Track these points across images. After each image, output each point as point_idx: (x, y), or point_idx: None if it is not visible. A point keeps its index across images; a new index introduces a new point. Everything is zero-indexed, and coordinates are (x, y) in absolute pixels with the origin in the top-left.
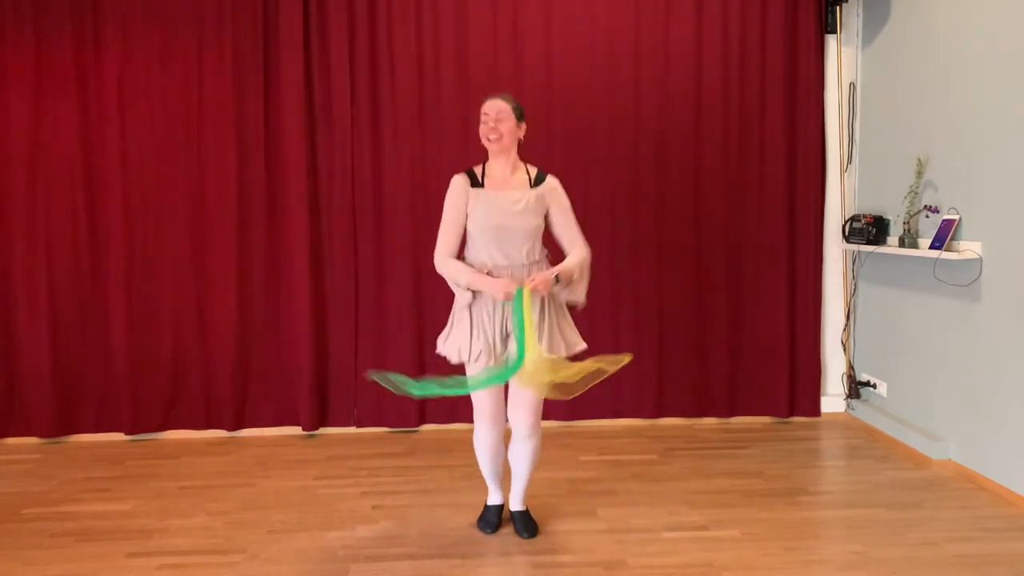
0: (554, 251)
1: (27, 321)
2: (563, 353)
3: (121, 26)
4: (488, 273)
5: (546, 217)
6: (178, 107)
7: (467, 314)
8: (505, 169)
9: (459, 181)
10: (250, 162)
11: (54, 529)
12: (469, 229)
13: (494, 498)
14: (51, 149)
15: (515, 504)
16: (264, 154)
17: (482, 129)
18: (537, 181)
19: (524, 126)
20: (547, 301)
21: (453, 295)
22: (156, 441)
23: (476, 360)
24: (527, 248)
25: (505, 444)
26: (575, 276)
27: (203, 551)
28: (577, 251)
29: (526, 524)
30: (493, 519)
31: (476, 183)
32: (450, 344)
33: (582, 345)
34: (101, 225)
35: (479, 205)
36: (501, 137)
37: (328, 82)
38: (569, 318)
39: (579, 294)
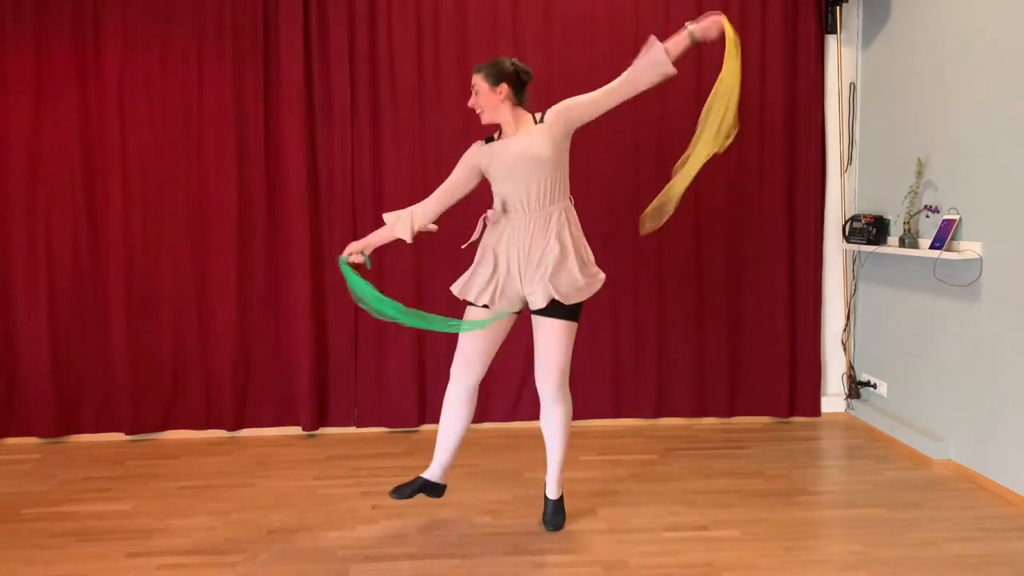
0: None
1: (27, 321)
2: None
3: (121, 26)
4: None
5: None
6: (178, 107)
7: (481, 251)
8: (511, 126)
9: (474, 146)
10: (250, 162)
11: (54, 529)
12: (492, 186)
13: (429, 471)
14: (51, 149)
15: (550, 491)
16: (264, 154)
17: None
18: (541, 120)
19: (503, 86)
20: (568, 236)
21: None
22: (156, 441)
23: (473, 297)
24: (542, 185)
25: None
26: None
27: (203, 551)
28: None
29: (554, 515)
30: (408, 490)
31: (491, 142)
32: (461, 279)
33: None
34: (101, 225)
35: (493, 158)
36: (483, 110)
37: (328, 82)
38: (587, 260)
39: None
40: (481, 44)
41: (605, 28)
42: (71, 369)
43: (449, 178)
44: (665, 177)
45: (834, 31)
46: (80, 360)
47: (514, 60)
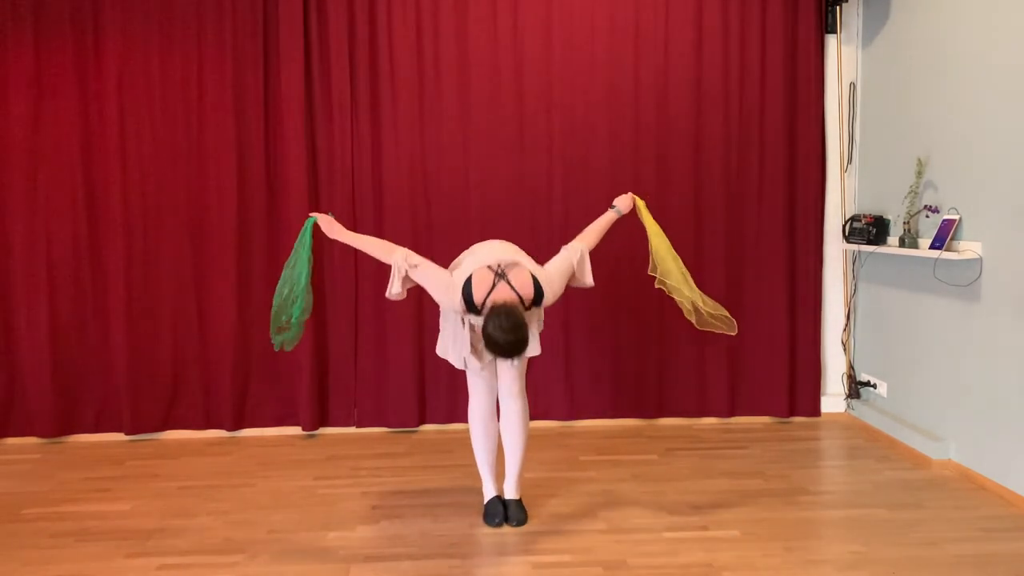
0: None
1: (27, 321)
2: (533, 352)
3: (121, 26)
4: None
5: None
6: (178, 107)
7: (451, 320)
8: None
9: (459, 295)
10: (250, 161)
11: (54, 529)
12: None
13: (490, 491)
14: (51, 149)
15: (510, 491)
16: (264, 153)
17: None
18: (535, 301)
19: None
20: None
21: None
22: (156, 441)
23: (466, 364)
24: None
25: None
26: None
27: (203, 551)
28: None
29: (518, 512)
30: (497, 510)
31: (473, 309)
32: (451, 352)
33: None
34: (101, 225)
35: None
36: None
37: (328, 82)
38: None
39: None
40: (481, 42)
41: (605, 28)
42: (71, 369)
43: (427, 273)
44: (664, 175)
45: (834, 31)
46: (80, 360)
47: (496, 326)
